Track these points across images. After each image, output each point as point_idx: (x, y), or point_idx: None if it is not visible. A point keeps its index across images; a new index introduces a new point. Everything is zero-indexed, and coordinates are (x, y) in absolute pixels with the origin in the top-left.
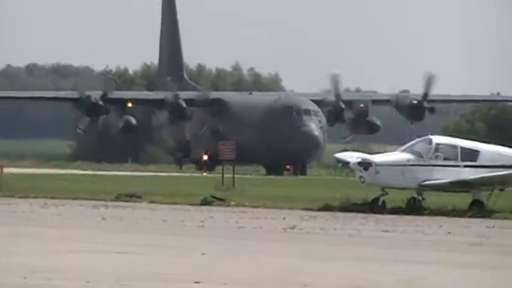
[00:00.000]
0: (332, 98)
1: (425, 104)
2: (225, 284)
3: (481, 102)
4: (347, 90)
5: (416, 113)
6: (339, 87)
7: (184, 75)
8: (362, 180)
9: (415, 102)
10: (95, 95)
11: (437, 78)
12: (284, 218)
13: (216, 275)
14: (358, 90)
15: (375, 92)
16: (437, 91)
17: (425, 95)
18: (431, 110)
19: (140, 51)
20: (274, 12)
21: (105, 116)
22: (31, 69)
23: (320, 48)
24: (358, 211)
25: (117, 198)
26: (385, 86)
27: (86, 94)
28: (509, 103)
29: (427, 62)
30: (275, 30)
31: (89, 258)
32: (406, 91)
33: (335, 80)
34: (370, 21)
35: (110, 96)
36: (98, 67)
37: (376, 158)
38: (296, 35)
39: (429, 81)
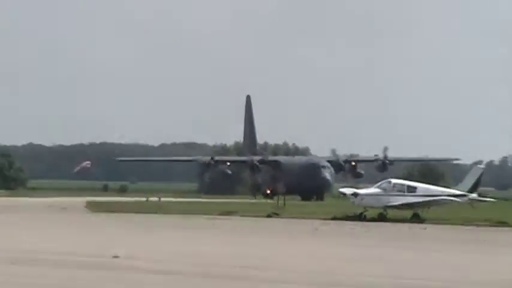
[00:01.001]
0: (337, 159)
1: (387, 163)
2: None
3: (416, 161)
4: (345, 155)
5: (382, 167)
6: (338, 155)
7: (257, 147)
8: (353, 203)
9: (381, 161)
10: (212, 159)
11: (392, 147)
12: (312, 224)
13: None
14: (352, 155)
15: (360, 155)
16: (393, 154)
17: (385, 158)
18: (390, 165)
19: (233, 134)
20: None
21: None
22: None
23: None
24: (351, 220)
25: (221, 214)
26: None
27: (208, 158)
28: (432, 162)
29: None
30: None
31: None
32: (377, 154)
33: (335, 152)
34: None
35: (216, 159)
36: (212, 142)
37: (361, 191)
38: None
39: (385, 150)
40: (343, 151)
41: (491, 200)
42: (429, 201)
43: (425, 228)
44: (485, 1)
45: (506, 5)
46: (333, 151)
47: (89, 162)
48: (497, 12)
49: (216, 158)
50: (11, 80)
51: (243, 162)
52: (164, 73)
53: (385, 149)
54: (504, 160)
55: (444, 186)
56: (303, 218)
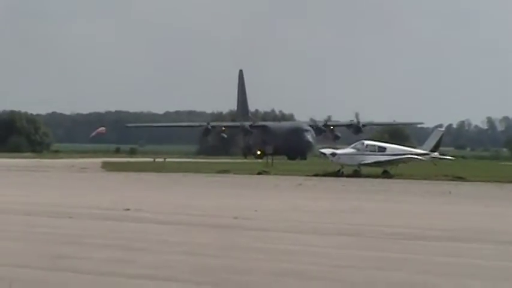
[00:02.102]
0: (317, 123)
1: (361, 127)
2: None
3: (386, 125)
4: (324, 120)
5: (356, 130)
6: (318, 121)
7: (249, 114)
8: (332, 162)
9: (355, 125)
10: (209, 124)
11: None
12: (297, 180)
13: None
14: (330, 119)
15: (338, 121)
16: (366, 119)
17: (359, 122)
18: (363, 128)
19: (228, 103)
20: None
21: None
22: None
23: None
24: (331, 176)
25: (218, 172)
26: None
27: (206, 124)
28: (399, 125)
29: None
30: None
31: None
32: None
33: (313, 120)
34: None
35: (213, 124)
36: (210, 110)
37: (338, 151)
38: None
39: (357, 116)
40: (323, 116)
41: (450, 158)
42: (397, 159)
43: (393, 183)
44: None
45: None
46: (312, 119)
47: (103, 128)
48: None
49: (213, 123)
50: (36, 56)
51: (236, 127)
52: (170, 55)
53: (357, 114)
54: (461, 124)
55: (410, 147)
56: (289, 174)
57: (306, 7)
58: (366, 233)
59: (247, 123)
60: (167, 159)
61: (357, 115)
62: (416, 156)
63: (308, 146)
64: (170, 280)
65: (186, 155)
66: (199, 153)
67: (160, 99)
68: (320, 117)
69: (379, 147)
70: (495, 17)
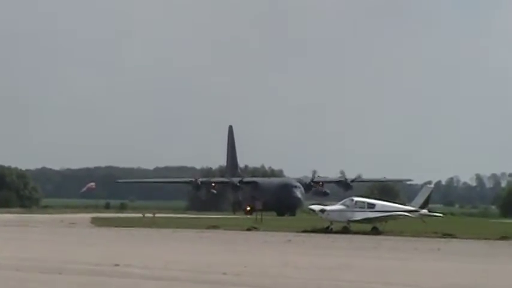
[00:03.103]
0: (306, 180)
1: (350, 183)
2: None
3: (375, 182)
4: (317, 176)
5: (345, 187)
6: (307, 177)
7: (238, 170)
8: (321, 218)
9: (344, 182)
10: (199, 180)
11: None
12: (286, 236)
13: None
14: (318, 175)
15: (327, 177)
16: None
17: (347, 179)
18: (352, 184)
19: (218, 159)
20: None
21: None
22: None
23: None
24: (320, 232)
25: (208, 228)
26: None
27: (195, 180)
28: (388, 182)
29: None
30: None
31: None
32: (342, 175)
33: (302, 176)
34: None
35: (202, 180)
36: (199, 166)
37: (328, 208)
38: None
39: (343, 174)
40: (311, 172)
41: (439, 215)
42: (386, 216)
43: (384, 240)
44: None
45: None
46: (313, 172)
47: (93, 183)
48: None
49: (203, 179)
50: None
51: (226, 183)
52: (159, 110)
53: (342, 172)
54: (450, 180)
55: (399, 203)
56: (278, 230)
57: (294, 63)
58: None
59: (236, 179)
60: (157, 215)
61: (342, 172)
62: (405, 213)
63: (297, 202)
64: None
65: (176, 210)
66: (189, 208)
67: (150, 155)
68: (309, 173)
69: (369, 203)
70: (483, 75)
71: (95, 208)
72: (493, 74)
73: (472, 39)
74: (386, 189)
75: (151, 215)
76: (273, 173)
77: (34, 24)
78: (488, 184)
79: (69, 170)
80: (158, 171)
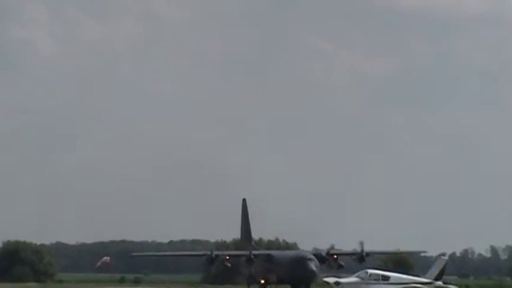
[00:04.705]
0: (321, 252)
1: (364, 255)
2: None
3: (389, 254)
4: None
5: (360, 259)
6: (321, 249)
7: (252, 243)
8: None
9: (359, 254)
10: (213, 253)
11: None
12: None
13: None
14: (333, 248)
15: (341, 249)
16: (369, 247)
17: (362, 251)
18: (367, 257)
19: (232, 232)
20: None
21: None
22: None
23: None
24: None
25: None
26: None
27: (209, 253)
28: (403, 254)
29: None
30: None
31: None
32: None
33: (316, 249)
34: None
35: (217, 253)
36: (213, 239)
37: (342, 280)
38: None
39: (362, 244)
40: (326, 245)
41: (454, 287)
42: None
43: None
44: None
45: None
46: (315, 248)
47: (107, 257)
48: None
49: (217, 252)
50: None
51: (240, 256)
52: (174, 183)
53: (362, 243)
54: (465, 252)
55: (414, 275)
56: None
57: (306, 135)
58: None
59: (250, 252)
60: None
61: (361, 244)
62: (420, 285)
63: (312, 275)
64: None
65: (191, 284)
66: (204, 282)
67: (165, 228)
68: (323, 246)
69: (383, 276)
70: (494, 145)
71: (110, 282)
72: (507, 148)
73: (489, 114)
74: (400, 261)
75: None
76: (287, 246)
77: None
78: (503, 255)
79: (84, 244)
80: (173, 244)
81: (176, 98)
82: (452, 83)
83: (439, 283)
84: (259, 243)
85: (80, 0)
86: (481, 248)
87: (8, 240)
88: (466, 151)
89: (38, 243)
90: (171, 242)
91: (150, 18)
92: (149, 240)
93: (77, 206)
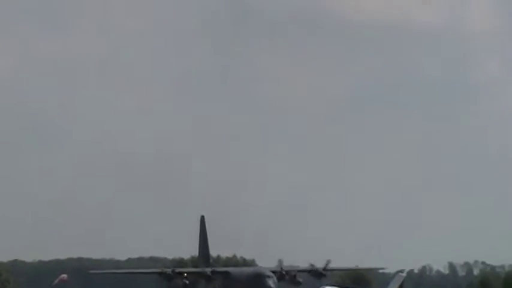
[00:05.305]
0: (279, 269)
1: (323, 272)
2: None
3: (348, 270)
4: (291, 266)
5: (318, 276)
6: (279, 266)
7: (210, 260)
8: None
9: (317, 271)
10: (170, 271)
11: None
12: None
13: None
14: (293, 266)
15: (299, 266)
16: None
17: (320, 268)
18: (325, 273)
19: (190, 249)
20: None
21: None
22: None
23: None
24: None
25: None
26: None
27: (167, 270)
28: (361, 271)
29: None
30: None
31: None
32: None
33: (278, 265)
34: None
35: (174, 270)
36: (171, 256)
37: None
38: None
39: (328, 262)
40: (284, 261)
41: None
42: None
43: None
44: None
45: None
46: (280, 262)
47: (65, 275)
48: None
49: (175, 270)
50: None
51: (198, 273)
52: (131, 201)
53: (328, 261)
54: (423, 269)
55: None
56: None
57: (267, 150)
58: None
59: (208, 270)
60: None
61: (327, 262)
62: None
63: None
64: None
65: None
66: None
67: (123, 246)
68: (281, 263)
69: None
70: (451, 161)
71: None
72: (463, 165)
73: (447, 124)
74: (359, 278)
75: None
76: (245, 263)
77: None
78: (461, 272)
79: (41, 262)
80: (131, 262)
81: (134, 112)
82: (404, 95)
83: None
84: (217, 260)
85: (36, 14)
86: (439, 265)
87: None
88: (422, 167)
89: None
90: (128, 260)
91: (107, 32)
92: (107, 258)
93: (34, 223)
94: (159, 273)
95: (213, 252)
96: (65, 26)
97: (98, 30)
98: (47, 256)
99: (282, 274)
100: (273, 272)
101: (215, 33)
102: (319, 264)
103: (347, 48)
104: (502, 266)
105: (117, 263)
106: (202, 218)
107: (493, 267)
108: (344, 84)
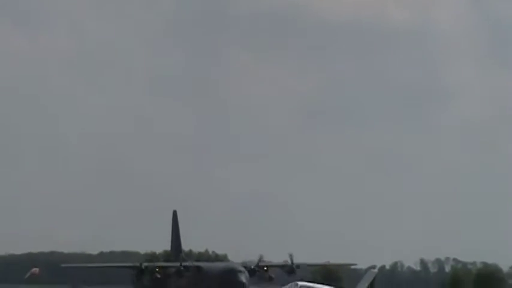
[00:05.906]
0: (251, 264)
1: (294, 267)
2: None
3: (319, 266)
4: (262, 260)
5: (290, 271)
6: (251, 261)
7: (182, 254)
8: None
9: (289, 266)
10: (142, 265)
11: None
12: None
13: None
14: (263, 260)
15: (271, 261)
16: (299, 259)
17: (292, 264)
18: (297, 269)
19: (162, 243)
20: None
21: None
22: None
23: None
24: None
25: None
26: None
27: (139, 264)
28: (333, 266)
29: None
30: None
31: None
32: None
33: (250, 260)
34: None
35: (146, 265)
36: (143, 250)
37: None
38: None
39: (291, 257)
40: (256, 257)
41: None
42: None
43: None
44: None
45: None
46: (259, 258)
47: (37, 269)
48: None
49: (146, 264)
50: None
51: (170, 267)
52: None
53: (291, 256)
54: (394, 265)
55: None
56: None
57: (239, 146)
58: None
59: (180, 264)
60: None
61: (290, 256)
62: None
63: (242, 287)
64: None
65: None
66: None
67: (95, 239)
68: (253, 258)
69: (311, 287)
70: (425, 160)
71: None
72: (436, 160)
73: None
74: (330, 274)
75: None
76: (217, 258)
77: None
78: (433, 269)
79: (12, 255)
80: (103, 256)
81: (104, 112)
82: (377, 99)
83: None
84: (189, 255)
85: (6, 12)
86: (411, 261)
87: None
88: (392, 165)
89: None
90: (101, 254)
91: (77, 33)
92: (79, 252)
93: (4, 217)
94: (131, 267)
95: (186, 247)
96: (35, 24)
97: (68, 30)
98: (18, 250)
99: (253, 269)
100: (245, 267)
101: (187, 33)
102: (290, 261)
103: (319, 47)
104: (474, 263)
105: (88, 257)
106: (175, 213)
107: (464, 264)
108: (312, 82)
